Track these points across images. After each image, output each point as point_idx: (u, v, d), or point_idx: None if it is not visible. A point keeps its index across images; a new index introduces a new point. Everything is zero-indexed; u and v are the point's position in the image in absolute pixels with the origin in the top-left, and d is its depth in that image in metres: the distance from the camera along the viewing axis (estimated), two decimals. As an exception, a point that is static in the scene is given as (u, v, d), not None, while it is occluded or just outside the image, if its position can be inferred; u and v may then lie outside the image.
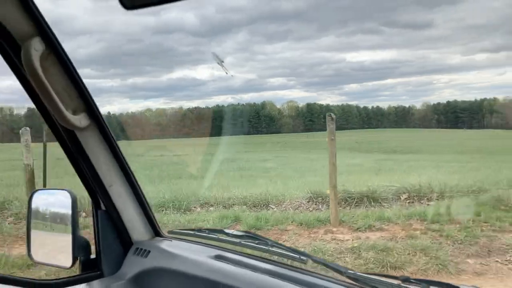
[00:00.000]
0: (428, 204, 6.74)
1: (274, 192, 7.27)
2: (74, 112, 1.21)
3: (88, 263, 1.43)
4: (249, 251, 1.37)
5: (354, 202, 6.79)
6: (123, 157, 1.38)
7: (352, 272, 1.12)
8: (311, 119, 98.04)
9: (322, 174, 12.37)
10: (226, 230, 1.45)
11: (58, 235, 1.40)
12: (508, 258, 5.08)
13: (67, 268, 1.39)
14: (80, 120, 1.22)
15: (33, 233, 1.45)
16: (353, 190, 6.94)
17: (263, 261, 1.32)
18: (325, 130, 5.91)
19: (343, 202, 6.83)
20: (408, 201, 6.93)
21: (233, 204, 6.95)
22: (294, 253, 1.25)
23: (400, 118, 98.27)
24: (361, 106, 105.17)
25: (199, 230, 1.52)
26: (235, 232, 1.43)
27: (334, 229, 5.74)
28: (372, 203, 6.79)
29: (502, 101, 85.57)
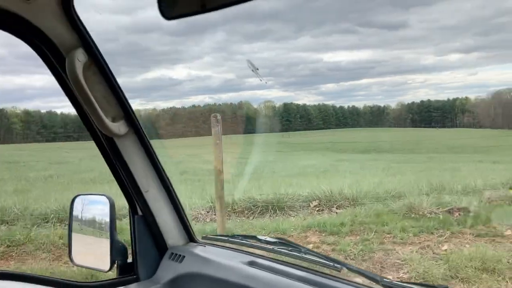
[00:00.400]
0: (336, 213, 6.21)
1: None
2: (114, 120, 1.24)
3: (125, 267, 1.46)
4: (282, 257, 1.36)
5: (258, 211, 6.20)
6: (160, 163, 1.40)
7: (388, 280, 1.12)
8: (288, 119, 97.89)
9: (260, 177, 11.81)
10: (259, 237, 1.45)
11: (97, 239, 1.42)
12: (401, 275, 4.57)
13: (105, 272, 1.40)
14: (119, 127, 1.25)
15: (74, 236, 1.47)
16: (259, 198, 6.35)
17: (297, 268, 1.29)
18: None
19: (246, 211, 6.24)
20: (318, 208, 6.38)
21: (125, 217, 6.25)
22: (328, 261, 1.24)
23: (376, 117, 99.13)
24: (337, 105, 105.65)
25: (233, 236, 1.53)
26: (268, 239, 1.43)
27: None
28: (278, 211, 6.22)
29: (473, 100, 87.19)
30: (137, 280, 1.45)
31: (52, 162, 21.07)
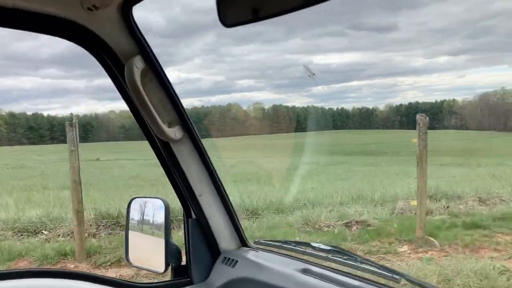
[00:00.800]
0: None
1: (59, 213, 6.01)
2: (170, 125, 1.27)
3: (179, 269, 1.46)
4: (336, 266, 1.33)
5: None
6: (213, 168, 1.41)
7: None
8: (277, 121, 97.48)
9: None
10: (313, 244, 1.43)
11: (152, 241, 1.43)
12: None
13: (160, 273, 1.41)
14: (175, 132, 1.27)
15: (131, 238, 1.49)
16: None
17: (352, 278, 1.24)
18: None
19: (119, 227, 5.66)
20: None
21: (-2, 230, 5.66)
22: (386, 271, 1.19)
23: (364, 119, 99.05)
24: (327, 107, 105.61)
25: (285, 242, 1.51)
26: (322, 246, 1.40)
27: (72, 266, 4.54)
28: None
29: (460, 102, 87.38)
30: (191, 283, 1.46)
31: (14, 166, 20.34)
